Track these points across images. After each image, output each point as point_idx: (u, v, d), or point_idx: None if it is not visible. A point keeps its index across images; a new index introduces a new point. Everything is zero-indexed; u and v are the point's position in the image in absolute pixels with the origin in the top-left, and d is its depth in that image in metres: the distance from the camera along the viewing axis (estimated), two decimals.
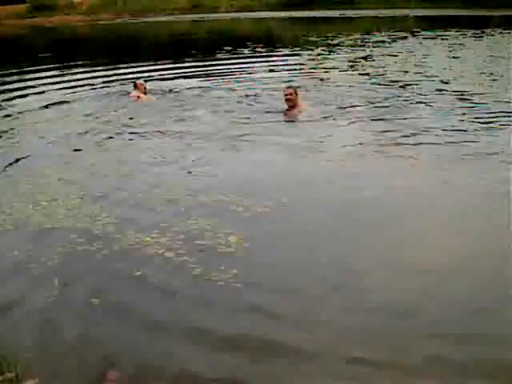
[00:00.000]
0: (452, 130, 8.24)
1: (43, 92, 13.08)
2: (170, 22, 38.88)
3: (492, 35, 20.76)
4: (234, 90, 11.83)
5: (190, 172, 6.98)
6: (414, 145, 7.63)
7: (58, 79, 15.11)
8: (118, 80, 14.15)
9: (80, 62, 18.35)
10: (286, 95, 9.20)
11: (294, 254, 4.88)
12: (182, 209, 5.80)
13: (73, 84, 13.87)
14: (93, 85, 13.58)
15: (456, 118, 8.86)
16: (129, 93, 11.51)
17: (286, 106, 9.30)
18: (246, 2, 45.61)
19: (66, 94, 12.60)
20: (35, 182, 6.76)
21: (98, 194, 6.29)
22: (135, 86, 11.41)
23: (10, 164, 7.51)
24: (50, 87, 13.65)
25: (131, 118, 9.77)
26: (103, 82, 13.91)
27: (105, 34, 31.80)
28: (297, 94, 9.21)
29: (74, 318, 4.06)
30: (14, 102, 12.00)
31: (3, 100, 12.14)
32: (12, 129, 9.48)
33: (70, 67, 17.43)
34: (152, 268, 4.67)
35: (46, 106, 11.29)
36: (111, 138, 8.68)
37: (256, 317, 3.99)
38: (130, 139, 8.58)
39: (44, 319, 4.05)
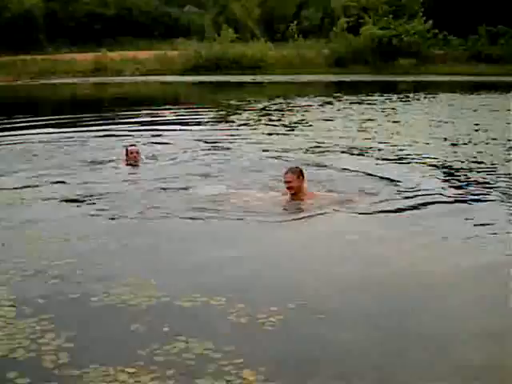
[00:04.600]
0: None
1: None
2: (72, 84, 37.04)
3: (418, 99, 20.57)
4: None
5: None
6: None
7: None
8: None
9: None
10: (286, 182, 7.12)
11: None
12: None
13: None
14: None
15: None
16: None
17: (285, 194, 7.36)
18: (151, 66, 44.55)
19: None
20: None
21: None
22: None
23: None
24: None
25: None
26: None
27: (2, 96, 29.61)
28: (303, 177, 7.17)
29: None
30: None
31: None
32: None
33: None
34: None
35: None
36: None
37: None
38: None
39: None
